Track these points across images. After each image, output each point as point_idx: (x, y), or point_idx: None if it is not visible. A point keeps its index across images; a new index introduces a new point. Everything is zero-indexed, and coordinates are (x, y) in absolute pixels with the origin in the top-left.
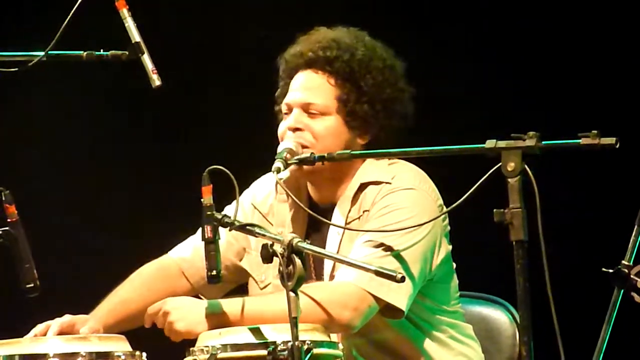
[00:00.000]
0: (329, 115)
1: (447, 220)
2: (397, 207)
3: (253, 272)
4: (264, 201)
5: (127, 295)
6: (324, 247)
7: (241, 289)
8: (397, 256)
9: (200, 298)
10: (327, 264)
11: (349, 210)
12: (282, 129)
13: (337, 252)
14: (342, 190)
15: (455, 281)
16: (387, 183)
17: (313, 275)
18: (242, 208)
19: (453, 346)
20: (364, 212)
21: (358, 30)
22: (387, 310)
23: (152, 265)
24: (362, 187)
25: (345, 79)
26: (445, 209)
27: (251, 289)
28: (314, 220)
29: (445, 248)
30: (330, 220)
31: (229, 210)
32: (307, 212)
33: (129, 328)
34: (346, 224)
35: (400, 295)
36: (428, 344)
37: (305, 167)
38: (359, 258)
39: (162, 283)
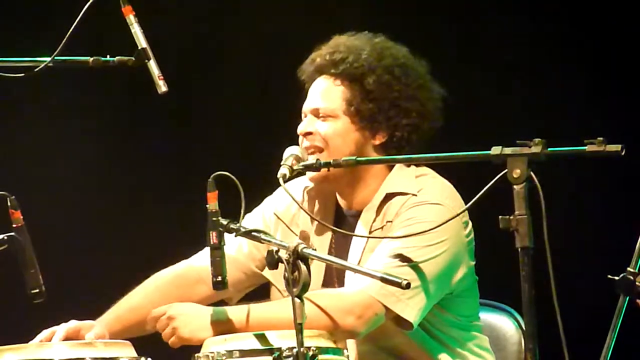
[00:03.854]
0: (337, 118)
1: (472, 236)
2: (420, 220)
3: (276, 282)
4: (287, 210)
5: (137, 302)
6: (347, 255)
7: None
8: (415, 267)
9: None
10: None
11: (374, 220)
12: (298, 132)
13: (360, 260)
14: (368, 198)
15: (476, 294)
16: (413, 195)
17: (336, 281)
18: (263, 216)
19: (470, 359)
20: (387, 222)
21: (375, 35)
22: (397, 320)
23: (169, 271)
24: (388, 197)
25: (351, 80)
26: (470, 225)
27: (274, 297)
28: (341, 227)
29: (467, 264)
30: (354, 228)
31: (250, 219)
32: (332, 221)
33: (137, 335)
34: (370, 233)
35: (409, 307)
36: (443, 356)
37: (316, 174)
38: (375, 266)
39: (178, 290)
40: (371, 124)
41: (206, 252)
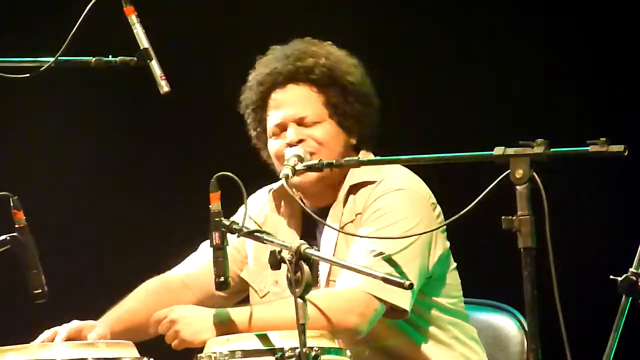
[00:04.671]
0: (324, 122)
1: (442, 217)
2: (389, 209)
3: (252, 282)
4: (259, 213)
5: (133, 305)
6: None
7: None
8: (394, 258)
9: None
10: (323, 270)
11: (342, 214)
12: (276, 146)
13: (333, 256)
14: (332, 194)
15: (456, 279)
16: (377, 183)
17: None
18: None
19: (455, 347)
20: (356, 215)
21: (311, 39)
22: (392, 311)
23: (156, 279)
24: (352, 189)
25: (328, 83)
26: (438, 207)
27: (252, 299)
28: (307, 228)
29: (443, 244)
30: (321, 226)
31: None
32: (300, 220)
33: (136, 338)
34: (341, 227)
35: (403, 296)
36: (428, 345)
37: (313, 175)
38: (357, 263)
39: (167, 295)
40: (354, 124)
41: (190, 260)
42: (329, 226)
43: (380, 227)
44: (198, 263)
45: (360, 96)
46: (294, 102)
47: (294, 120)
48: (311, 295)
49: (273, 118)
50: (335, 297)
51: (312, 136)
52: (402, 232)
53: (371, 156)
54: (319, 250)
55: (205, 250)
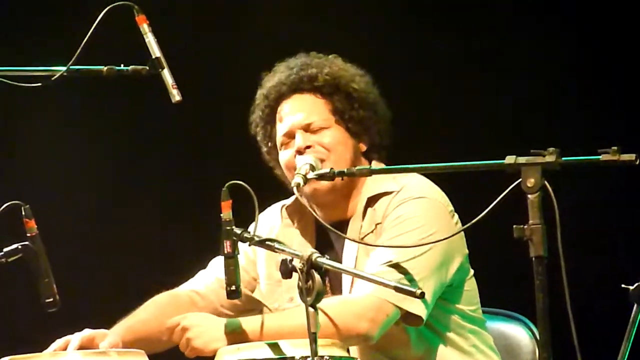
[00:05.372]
0: (331, 127)
1: (460, 224)
2: (408, 216)
3: (266, 301)
4: (270, 230)
5: (144, 317)
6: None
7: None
8: (413, 264)
9: None
10: (346, 280)
11: (361, 226)
12: (287, 156)
13: (355, 268)
14: (352, 207)
15: (474, 286)
16: (396, 192)
17: (329, 291)
18: (244, 249)
19: (475, 356)
20: (376, 225)
21: (315, 53)
22: (407, 318)
23: (165, 294)
24: (370, 201)
25: (333, 91)
26: (456, 215)
27: None
28: (322, 241)
29: (462, 252)
30: (338, 239)
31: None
32: (314, 234)
33: (147, 349)
34: (361, 239)
35: (417, 302)
36: (449, 352)
37: (325, 184)
38: (376, 271)
39: (175, 310)
40: (362, 130)
41: (199, 277)
42: (341, 235)
43: (397, 234)
44: (206, 281)
45: (366, 103)
46: (300, 110)
47: (301, 127)
48: (324, 303)
49: (281, 129)
50: (347, 304)
51: (319, 142)
52: (420, 240)
53: (383, 166)
54: (330, 260)
55: (214, 268)
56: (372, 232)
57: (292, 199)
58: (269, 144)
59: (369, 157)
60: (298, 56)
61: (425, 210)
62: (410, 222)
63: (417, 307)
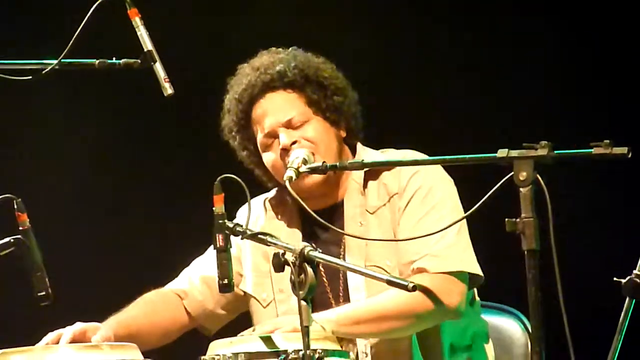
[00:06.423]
0: (311, 120)
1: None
2: (430, 184)
3: (254, 292)
4: (255, 223)
5: (135, 313)
6: (343, 249)
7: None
8: (454, 228)
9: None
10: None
11: (364, 202)
12: (272, 158)
13: (366, 246)
14: (342, 190)
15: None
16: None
17: (327, 285)
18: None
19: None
20: (393, 195)
21: (275, 48)
22: (470, 282)
23: (153, 292)
24: (369, 176)
25: (304, 83)
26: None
27: (254, 310)
28: (308, 231)
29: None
30: (342, 218)
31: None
32: (299, 223)
33: (138, 344)
34: (372, 212)
35: (475, 263)
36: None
37: (318, 178)
38: (429, 246)
39: (164, 306)
40: (339, 117)
41: (183, 276)
42: (333, 228)
43: (433, 204)
44: (191, 279)
45: (337, 89)
46: (277, 108)
47: (282, 125)
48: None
49: (261, 130)
50: (434, 281)
51: (303, 136)
52: (449, 205)
53: (368, 149)
54: (321, 252)
55: (196, 267)
56: (384, 205)
57: (273, 192)
58: (249, 147)
59: (349, 143)
60: (259, 55)
61: (440, 176)
62: (435, 189)
63: (476, 267)
